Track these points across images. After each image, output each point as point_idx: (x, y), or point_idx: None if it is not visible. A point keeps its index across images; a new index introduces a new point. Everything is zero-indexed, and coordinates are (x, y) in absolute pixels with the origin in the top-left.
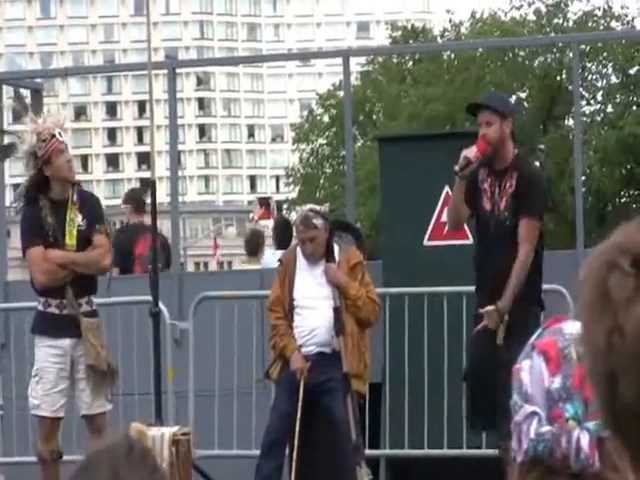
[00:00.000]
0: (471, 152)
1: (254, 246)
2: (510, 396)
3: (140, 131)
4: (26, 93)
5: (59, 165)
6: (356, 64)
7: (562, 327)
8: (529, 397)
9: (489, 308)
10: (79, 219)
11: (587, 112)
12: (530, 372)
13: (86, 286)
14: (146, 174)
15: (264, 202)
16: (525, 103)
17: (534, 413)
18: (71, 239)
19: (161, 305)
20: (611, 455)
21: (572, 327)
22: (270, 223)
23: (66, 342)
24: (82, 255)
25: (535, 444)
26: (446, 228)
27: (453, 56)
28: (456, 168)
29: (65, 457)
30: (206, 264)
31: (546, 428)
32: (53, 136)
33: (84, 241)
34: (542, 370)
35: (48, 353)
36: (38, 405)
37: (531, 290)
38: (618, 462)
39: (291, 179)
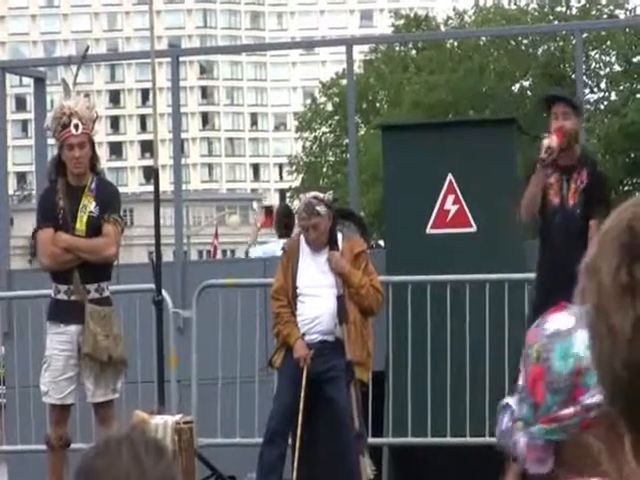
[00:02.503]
0: (553, 141)
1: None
2: None
3: (143, 119)
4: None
5: (68, 158)
6: (359, 52)
7: (547, 320)
8: (517, 387)
9: None
10: (92, 206)
11: (590, 100)
12: (521, 360)
13: (95, 273)
14: (149, 162)
15: (268, 211)
16: (528, 91)
17: (507, 406)
18: (81, 225)
19: (164, 293)
20: (571, 459)
21: (555, 323)
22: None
23: (72, 329)
24: (86, 241)
25: (500, 437)
26: (522, 215)
27: (456, 44)
28: (543, 157)
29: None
30: (209, 252)
31: (509, 424)
32: (68, 125)
33: (94, 228)
34: (522, 362)
35: (56, 340)
36: (46, 392)
37: None
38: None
39: (294, 167)
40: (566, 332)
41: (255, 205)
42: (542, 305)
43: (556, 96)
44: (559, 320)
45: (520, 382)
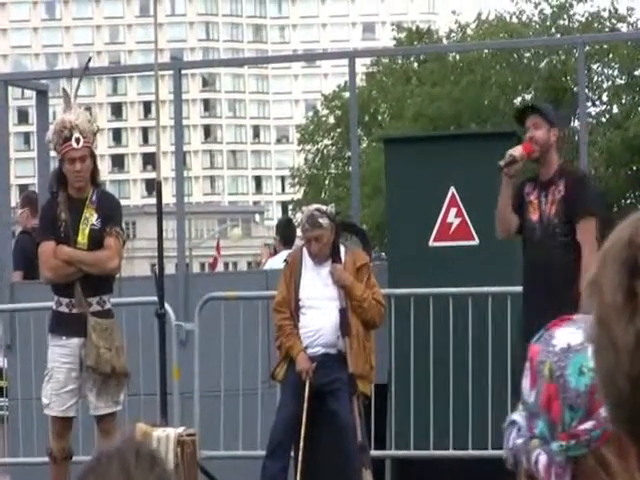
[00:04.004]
0: (516, 150)
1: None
2: None
3: (145, 132)
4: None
5: (68, 171)
6: (361, 65)
7: (554, 335)
8: (525, 404)
9: None
10: (94, 218)
11: (592, 113)
12: (525, 375)
13: (97, 285)
14: (151, 175)
15: (271, 248)
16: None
17: (514, 422)
18: (83, 237)
19: (167, 306)
20: (592, 474)
21: (564, 338)
22: None
23: (74, 341)
24: (89, 254)
25: (511, 454)
26: (498, 230)
27: (458, 57)
28: (500, 163)
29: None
30: (210, 265)
31: (519, 440)
32: (69, 138)
33: (96, 241)
34: (527, 378)
35: (58, 353)
36: (48, 404)
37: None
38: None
39: (296, 180)
40: (578, 347)
41: (257, 218)
42: (530, 324)
43: (527, 107)
44: (567, 335)
45: (530, 399)
